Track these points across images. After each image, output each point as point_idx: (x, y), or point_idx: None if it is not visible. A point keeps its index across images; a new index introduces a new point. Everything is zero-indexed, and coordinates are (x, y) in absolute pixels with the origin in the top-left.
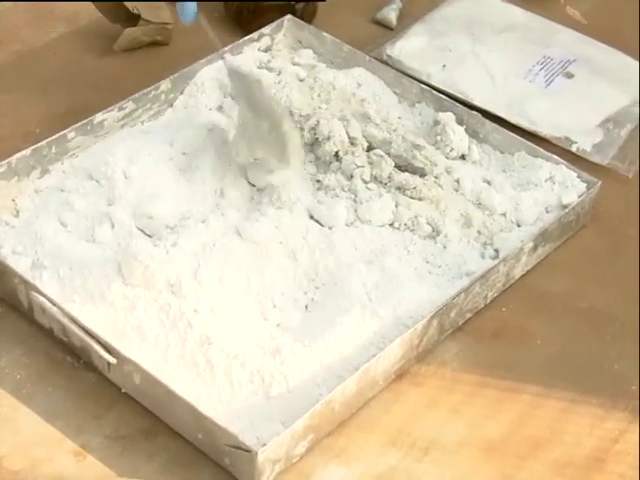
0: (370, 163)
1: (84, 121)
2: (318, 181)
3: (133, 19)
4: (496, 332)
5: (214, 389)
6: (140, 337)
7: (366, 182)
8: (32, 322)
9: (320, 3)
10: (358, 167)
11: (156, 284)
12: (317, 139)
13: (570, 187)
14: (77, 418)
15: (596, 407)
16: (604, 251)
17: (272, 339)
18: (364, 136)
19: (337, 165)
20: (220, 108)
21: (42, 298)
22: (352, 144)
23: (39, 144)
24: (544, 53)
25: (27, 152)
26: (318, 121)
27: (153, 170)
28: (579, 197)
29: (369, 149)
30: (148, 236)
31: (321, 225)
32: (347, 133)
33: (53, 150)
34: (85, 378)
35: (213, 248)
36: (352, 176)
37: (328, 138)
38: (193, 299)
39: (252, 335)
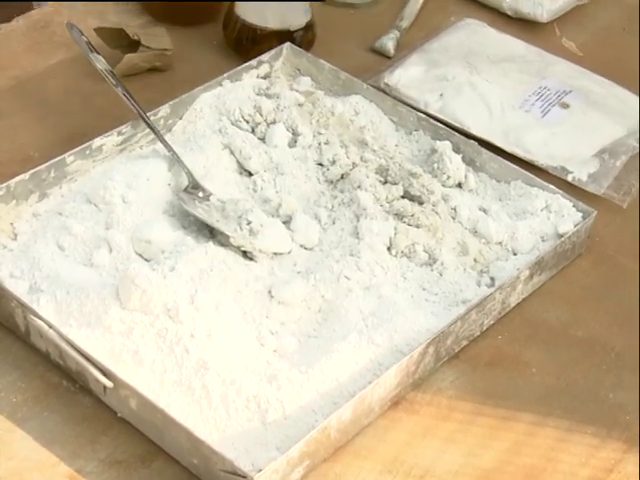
0: (382, 183)
1: (83, 145)
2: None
3: (133, 45)
4: (492, 360)
5: (210, 414)
6: (137, 362)
7: (375, 202)
8: (29, 346)
9: (319, 31)
10: (366, 189)
11: (153, 309)
12: (321, 164)
13: (566, 216)
14: (73, 442)
15: (591, 436)
16: (600, 280)
17: (268, 365)
18: (363, 161)
19: (341, 186)
20: (219, 132)
21: (39, 321)
22: (357, 165)
23: (38, 168)
24: (540, 84)
25: (26, 176)
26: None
27: (152, 195)
28: (575, 226)
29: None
30: (146, 260)
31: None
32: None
33: (52, 174)
34: (81, 402)
35: (210, 273)
36: (357, 197)
37: (333, 162)
38: (190, 324)
39: (248, 361)
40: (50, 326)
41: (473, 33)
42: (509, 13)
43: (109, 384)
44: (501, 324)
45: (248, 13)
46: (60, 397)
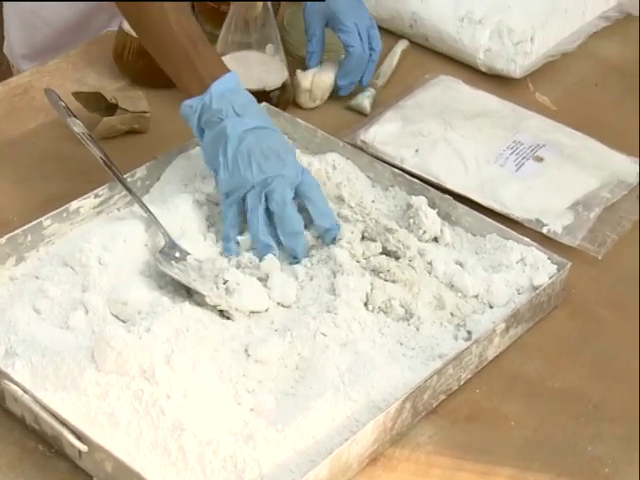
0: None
1: (60, 209)
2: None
3: (111, 108)
4: (470, 414)
5: (187, 476)
6: (112, 424)
7: (351, 258)
8: (4, 411)
9: (293, 93)
10: (342, 246)
11: (129, 370)
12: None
13: (541, 269)
14: None
15: None
16: (576, 332)
17: (245, 424)
18: (340, 217)
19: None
20: (195, 192)
21: (14, 386)
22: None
23: (15, 232)
24: (515, 138)
25: (2, 240)
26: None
27: (128, 256)
28: (550, 278)
29: None
30: (122, 322)
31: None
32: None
33: (29, 238)
34: (57, 467)
35: (187, 333)
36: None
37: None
38: (166, 385)
39: (225, 420)
40: (25, 391)
41: (447, 89)
42: (483, 69)
43: (84, 448)
44: (479, 378)
45: None
46: (35, 462)
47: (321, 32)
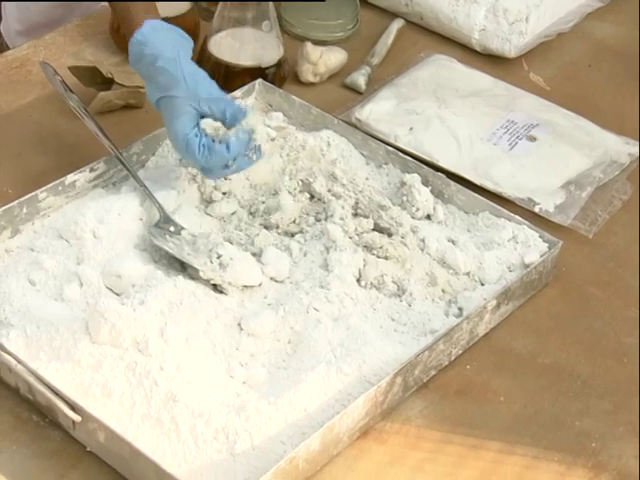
0: (352, 216)
1: (56, 182)
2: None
3: (107, 83)
4: (460, 389)
5: (179, 447)
6: (105, 395)
7: (344, 234)
8: None
9: (290, 68)
10: (335, 222)
11: (123, 342)
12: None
13: (532, 247)
14: (42, 477)
15: (558, 464)
16: (566, 309)
17: (237, 396)
18: (332, 194)
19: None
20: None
21: (8, 357)
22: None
23: (10, 204)
24: (508, 117)
25: None
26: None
27: (123, 229)
28: (541, 257)
29: None
30: (116, 294)
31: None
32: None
33: (24, 210)
34: (50, 436)
35: (180, 306)
36: (327, 230)
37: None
38: (159, 357)
39: (217, 393)
40: (19, 361)
41: (442, 68)
42: (478, 49)
43: (77, 418)
44: (469, 353)
45: (221, 50)
46: (29, 431)
47: None
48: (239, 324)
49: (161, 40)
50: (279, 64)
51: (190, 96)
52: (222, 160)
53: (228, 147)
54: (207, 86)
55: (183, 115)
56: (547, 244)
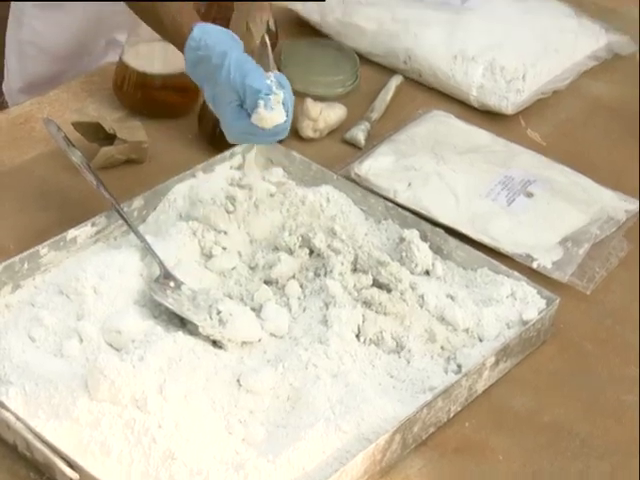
0: (351, 272)
1: (57, 237)
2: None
3: (110, 138)
4: (459, 447)
5: None
6: (104, 453)
7: (343, 290)
8: None
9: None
10: (335, 278)
11: (122, 399)
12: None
13: (530, 303)
14: None
15: None
16: (564, 367)
17: (236, 454)
18: (332, 249)
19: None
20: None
21: (7, 413)
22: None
23: (11, 260)
24: (506, 173)
25: None
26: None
27: (123, 285)
28: (539, 313)
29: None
30: (116, 350)
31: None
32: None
33: (25, 266)
34: None
35: (179, 362)
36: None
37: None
38: (158, 414)
39: (216, 450)
40: (18, 418)
41: (440, 124)
42: (476, 105)
43: (75, 476)
44: (468, 411)
45: None
46: None
47: None
48: (238, 380)
49: (213, 40)
50: None
51: (234, 86)
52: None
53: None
54: (253, 77)
55: (228, 106)
56: (545, 300)
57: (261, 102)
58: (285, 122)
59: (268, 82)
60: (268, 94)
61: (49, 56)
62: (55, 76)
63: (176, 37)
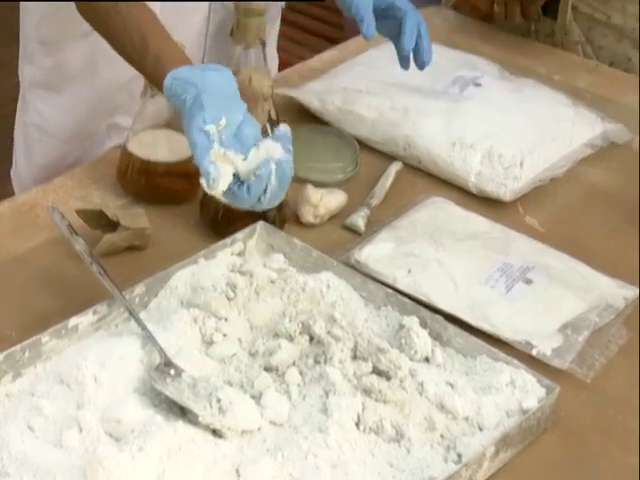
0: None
1: (58, 325)
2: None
3: (113, 225)
4: None
5: None
6: None
7: (343, 378)
8: None
9: (291, 210)
10: (334, 365)
11: None
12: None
13: (530, 392)
14: None
15: None
16: (565, 456)
17: None
18: (332, 336)
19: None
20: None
21: None
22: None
23: (12, 349)
24: (504, 260)
25: (0, 357)
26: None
27: (124, 373)
28: (539, 402)
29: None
30: (116, 440)
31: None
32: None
33: (26, 354)
34: None
35: (179, 452)
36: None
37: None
38: None
39: None
40: None
41: (439, 211)
42: (474, 191)
43: None
44: None
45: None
46: None
47: (370, 1)
48: (237, 470)
49: (181, 88)
50: (280, 207)
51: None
52: (247, 202)
53: (249, 189)
54: (198, 153)
55: (200, 146)
56: (545, 389)
57: (203, 181)
58: (272, 194)
59: (209, 157)
60: (208, 171)
61: (51, 138)
62: (58, 159)
63: (158, 84)
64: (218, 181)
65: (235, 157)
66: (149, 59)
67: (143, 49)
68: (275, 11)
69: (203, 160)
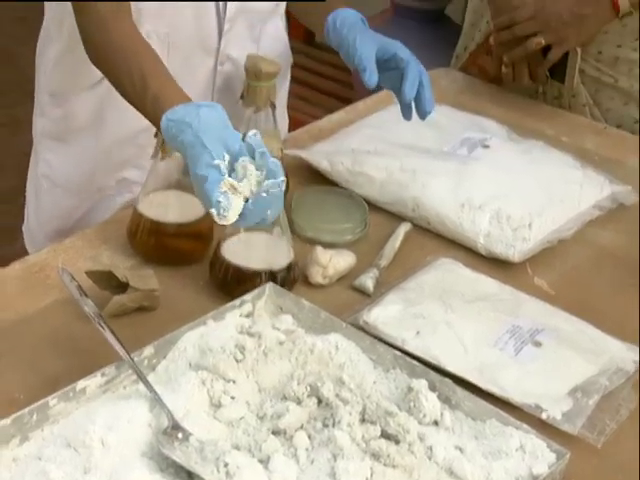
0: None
1: (66, 388)
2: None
3: (122, 286)
4: None
5: None
6: None
7: (351, 442)
8: None
9: (300, 270)
10: (343, 429)
11: None
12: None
13: (540, 457)
14: None
15: None
16: None
17: None
18: (340, 399)
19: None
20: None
21: None
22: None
23: (20, 412)
24: (513, 322)
25: (8, 421)
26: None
27: (131, 437)
28: (549, 467)
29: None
30: None
31: None
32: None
33: (34, 418)
34: None
35: None
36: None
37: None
38: None
39: None
40: None
41: (448, 272)
42: (483, 253)
43: None
44: None
45: (233, 254)
46: None
47: (372, 52)
48: None
49: (177, 129)
50: (289, 267)
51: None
52: (243, 225)
53: (244, 218)
54: (207, 187)
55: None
56: (555, 454)
57: (213, 211)
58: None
59: (220, 188)
60: (219, 202)
61: (60, 189)
62: (67, 211)
63: (158, 124)
64: (229, 211)
65: (244, 185)
66: (148, 99)
67: (143, 89)
68: (284, 70)
69: (214, 192)
